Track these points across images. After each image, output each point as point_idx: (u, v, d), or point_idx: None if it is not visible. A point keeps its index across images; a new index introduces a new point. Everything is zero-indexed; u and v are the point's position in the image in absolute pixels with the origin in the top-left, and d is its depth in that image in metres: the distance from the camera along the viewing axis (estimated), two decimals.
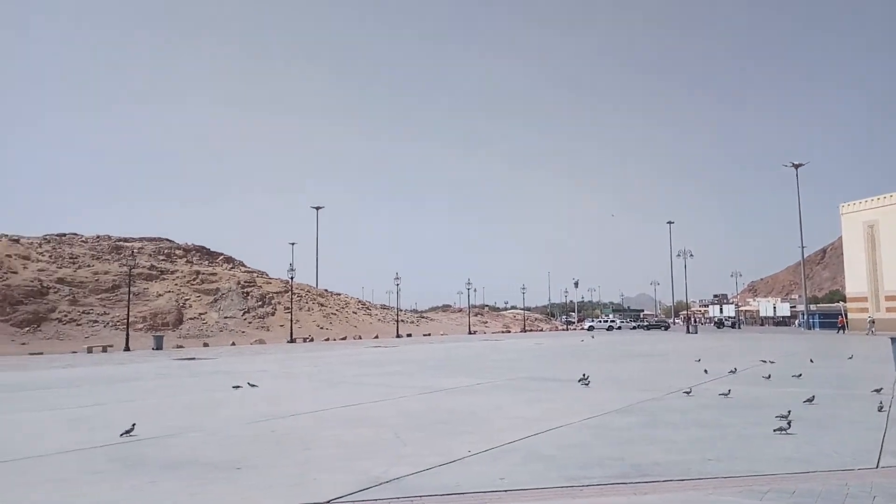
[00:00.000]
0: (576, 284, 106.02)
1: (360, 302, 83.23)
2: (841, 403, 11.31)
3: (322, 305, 68.50)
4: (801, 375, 15.69)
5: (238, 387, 14.64)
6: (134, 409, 11.28)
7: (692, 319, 70.35)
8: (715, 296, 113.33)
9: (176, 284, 57.41)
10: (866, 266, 57.03)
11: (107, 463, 7.15)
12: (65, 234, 63.22)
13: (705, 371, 17.10)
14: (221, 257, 72.60)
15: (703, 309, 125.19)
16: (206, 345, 42.58)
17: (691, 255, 69.74)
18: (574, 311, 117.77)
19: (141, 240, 69.33)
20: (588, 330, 74.77)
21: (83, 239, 63.04)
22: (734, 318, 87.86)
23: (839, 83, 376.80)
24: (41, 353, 33.91)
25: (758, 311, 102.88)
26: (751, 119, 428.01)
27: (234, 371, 20.07)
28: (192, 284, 58.57)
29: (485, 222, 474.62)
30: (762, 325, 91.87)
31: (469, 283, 73.82)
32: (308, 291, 71.30)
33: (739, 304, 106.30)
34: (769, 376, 15.46)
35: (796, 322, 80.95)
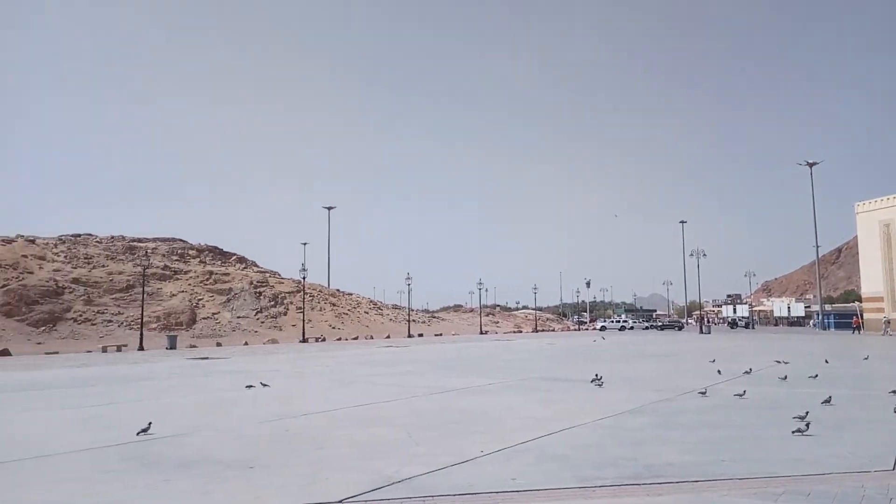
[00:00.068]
0: (588, 284, 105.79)
1: (371, 302, 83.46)
2: (857, 404, 11.18)
3: (334, 305, 68.76)
4: (817, 376, 15.53)
5: (251, 386, 14.71)
6: (148, 409, 11.35)
7: (705, 320, 69.82)
8: (728, 296, 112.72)
9: (189, 284, 57.84)
10: (882, 266, 56.35)
11: (121, 462, 7.21)
12: (79, 235, 63.85)
13: (719, 372, 16.99)
14: (234, 257, 73.06)
15: (716, 309, 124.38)
16: (219, 344, 42.85)
17: (704, 254, 69.63)
18: (586, 312, 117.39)
19: (154, 240, 69.91)
20: (600, 330, 74.48)
21: (98, 239, 63.65)
22: (748, 318, 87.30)
23: (853, 82, 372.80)
24: (56, 353, 34.27)
25: (772, 311, 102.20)
26: (764, 118, 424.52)
27: (246, 370, 20.17)
28: (206, 284, 58.99)
29: (497, 222, 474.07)
30: (776, 325, 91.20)
31: (480, 283, 73.87)
32: (320, 291, 71.59)
33: (753, 304, 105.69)
34: (785, 377, 15.30)
35: (811, 322, 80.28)
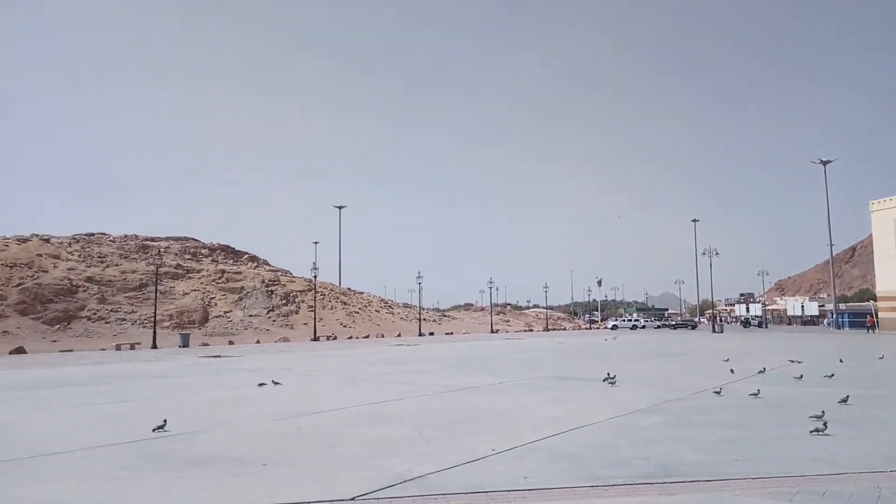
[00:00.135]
0: (599, 283, 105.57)
1: (382, 300, 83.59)
2: (872, 404, 11.08)
3: (345, 304, 68.94)
4: (832, 375, 15.39)
5: (263, 384, 14.79)
6: (161, 406, 11.45)
7: (718, 319, 69.35)
8: (741, 294, 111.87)
9: (202, 283, 58.22)
10: None
11: (136, 458, 7.28)
12: (93, 234, 64.42)
13: (732, 371, 16.87)
14: (246, 256, 73.41)
15: (728, 308, 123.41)
16: (231, 343, 43.10)
17: (717, 253, 69.11)
18: (597, 310, 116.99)
19: (167, 239, 70.38)
20: (612, 329, 74.17)
21: (111, 238, 64.20)
22: (761, 317, 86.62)
23: (867, 81, 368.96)
24: (71, 351, 34.61)
25: (785, 310, 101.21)
26: (777, 116, 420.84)
27: (258, 369, 20.28)
28: (218, 283, 59.34)
29: (508, 221, 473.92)
30: (790, 324, 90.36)
31: (491, 282, 73.95)
32: (331, 290, 71.81)
33: (766, 302, 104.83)
34: (801, 376, 15.17)
35: (825, 321, 79.45)
